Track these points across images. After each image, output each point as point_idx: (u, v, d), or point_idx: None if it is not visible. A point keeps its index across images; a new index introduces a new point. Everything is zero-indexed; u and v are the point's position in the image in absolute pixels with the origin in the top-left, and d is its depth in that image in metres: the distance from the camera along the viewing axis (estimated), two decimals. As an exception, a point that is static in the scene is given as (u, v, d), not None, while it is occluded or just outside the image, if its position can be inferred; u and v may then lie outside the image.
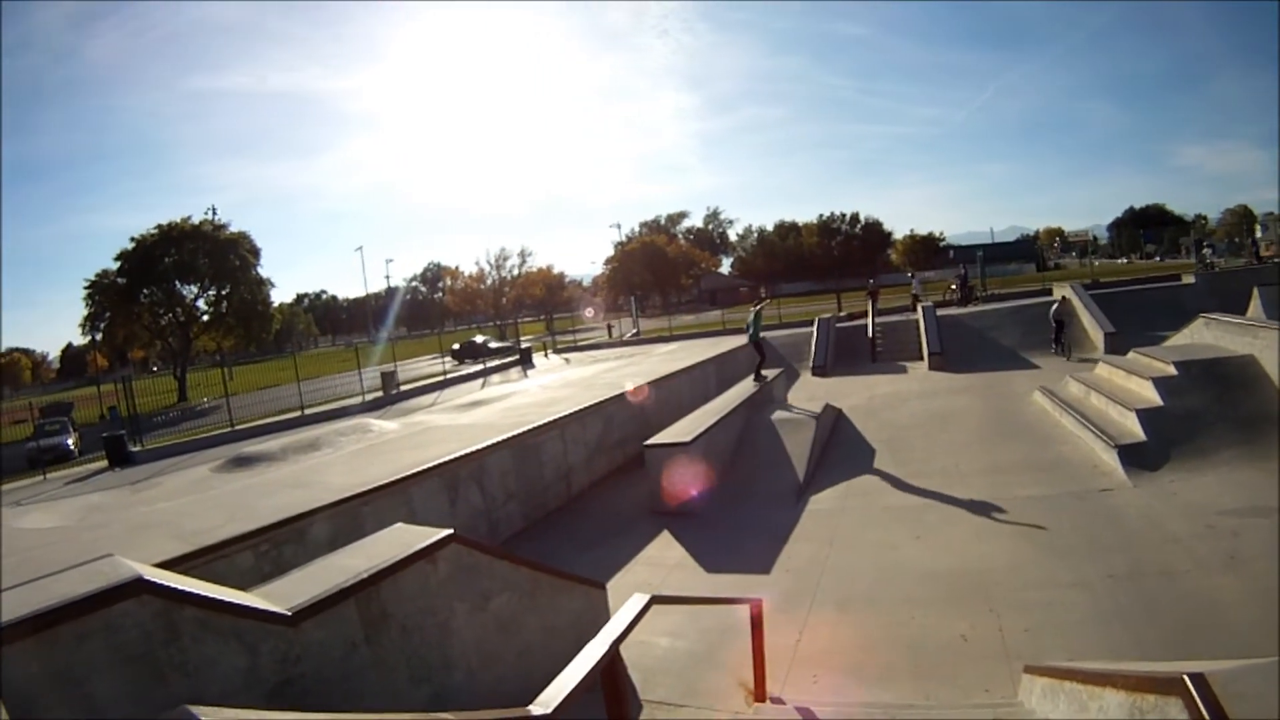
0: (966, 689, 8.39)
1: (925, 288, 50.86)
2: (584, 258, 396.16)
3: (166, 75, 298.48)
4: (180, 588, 5.59)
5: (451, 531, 7.53)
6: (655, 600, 6.16)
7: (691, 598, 9.29)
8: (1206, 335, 21.17)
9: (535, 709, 3.81)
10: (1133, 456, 15.66)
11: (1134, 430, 16.56)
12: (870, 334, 38.74)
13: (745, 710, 8.15)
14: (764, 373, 26.29)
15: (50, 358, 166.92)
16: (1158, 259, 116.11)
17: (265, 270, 75.02)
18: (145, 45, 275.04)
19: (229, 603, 5.76)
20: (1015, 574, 11.45)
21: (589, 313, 70.43)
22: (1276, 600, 9.33)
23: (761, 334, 27.14)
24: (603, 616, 8.64)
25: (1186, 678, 3.70)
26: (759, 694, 8.28)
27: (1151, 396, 17.45)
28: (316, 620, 5.98)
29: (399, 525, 8.43)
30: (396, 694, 6.41)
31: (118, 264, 66.80)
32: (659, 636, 10.22)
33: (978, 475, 16.54)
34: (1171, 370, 18.00)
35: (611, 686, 4.79)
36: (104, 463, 27.01)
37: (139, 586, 5.31)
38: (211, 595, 5.71)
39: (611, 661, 4.71)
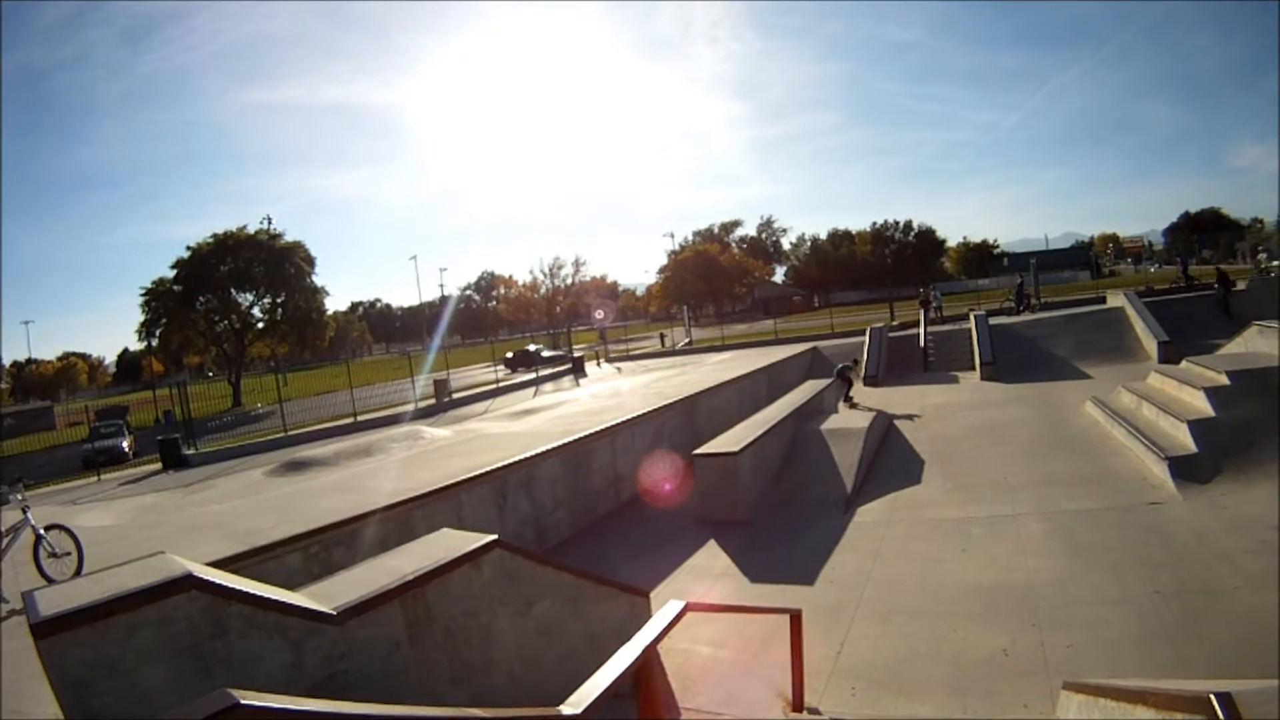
0: (1005, 705, 8.33)
1: (944, 299, 51.16)
2: (638, 266, 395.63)
3: (222, 88, 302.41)
4: (228, 584, 5.76)
5: (496, 537, 7.65)
6: (690, 607, 6.24)
7: (727, 605, 9.34)
8: (1261, 344, 20.99)
9: (566, 709, 3.90)
10: (1183, 469, 15.39)
11: (1185, 442, 16.27)
12: (922, 343, 38.47)
13: (782, 720, 8.14)
14: (851, 396, 28.20)
15: (107, 362, 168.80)
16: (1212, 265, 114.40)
17: (320, 279, 75.26)
18: (200, 59, 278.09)
19: (275, 600, 5.91)
20: (1060, 589, 11.31)
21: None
22: None
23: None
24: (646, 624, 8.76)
25: (1213, 696, 3.73)
26: (796, 704, 8.29)
27: (1203, 407, 17.16)
28: (361, 620, 6.11)
29: (445, 530, 8.57)
30: (437, 694, 6.52)
31: (174, 272, 67.39)
32: (701, 645, 10.27)
33: (1026, 488, 16.35)
34: (1224, 380, 17.70)
35: (645, 690, 4.85)
36: (158, 465, 27.13)
37: (189, 582, 5.50)
38: (258, 593, 5.87)
39: (645, 665, 4.77)
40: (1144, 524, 13.60)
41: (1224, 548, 12.05)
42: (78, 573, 11.27)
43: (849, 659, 9.86)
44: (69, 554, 12.01)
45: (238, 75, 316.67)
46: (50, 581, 10.98)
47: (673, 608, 5.86)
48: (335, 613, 5.97)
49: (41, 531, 11.91)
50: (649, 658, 4.83)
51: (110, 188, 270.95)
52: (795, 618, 8.27)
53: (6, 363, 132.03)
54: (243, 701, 2.85)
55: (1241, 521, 13.02)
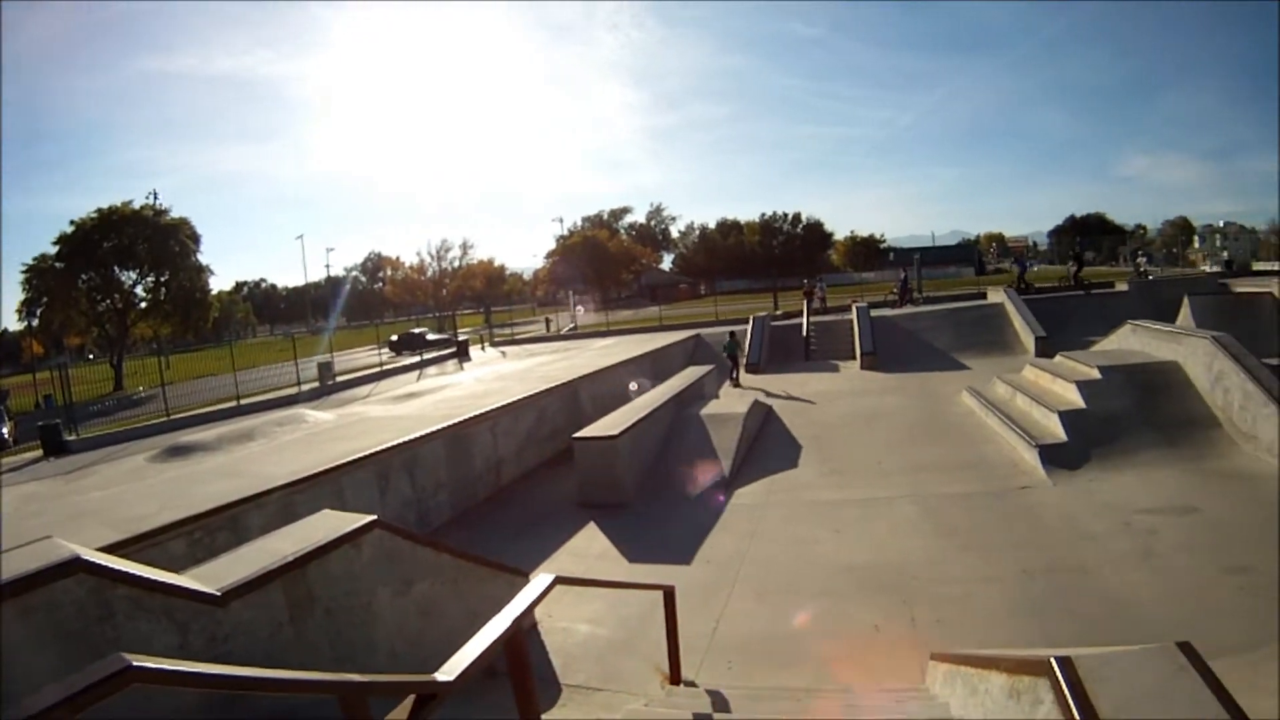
0: (877, 675, 8.66)
1: (828, 290, 52.24)
2: (526, 251, 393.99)
3: (112, 56, 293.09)
4: (115, 567, 5.91)
5: (375, 518, 7.85)
6: (559, 580, 6.51)
7: (596, 580, 9.57)
8: (1132, 341, 21.81)
9: (440, 676, 4.16)
10: (1053, 456, 16.12)
11: (1056, 431, 17.03)
12: (805, 333, 39.05)
13: (659, 693, 8.42)
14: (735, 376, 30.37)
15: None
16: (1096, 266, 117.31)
17: (205, 257, 73.59)
18: (90, 24, 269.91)
19: (160, 582, 6.07)
20: (931, 568, 11.76)
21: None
22: (1192, 593, 9.98)
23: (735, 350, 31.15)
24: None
25: (1053, 660, 4.13)
26: (674, 678, 8.55)
27: (1074, 399, 17.96)
28: (244, 601, 6.29)
29: (325, 511, 8.69)
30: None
31: (56, 248, 65.92)
32: (580, 624, 10.56)
33: (901, 473, 16.88)
34: (1095, 374, 18.57)
35: (515, 659, 5.11)
36: (39, 452, 26.69)
37: (77, 565, 5.65)
38: (144, 575, 6.03)
39: (515, 637, 5.03)
40: (1014, 507, 14.24)
41: (1090, 529, 12.74)
42: None
43: (725, 635, 10.20)
44: None
45: (131, 42, 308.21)
46: None
47: (542, 580, 6.12)
48: (219, 594, 6.13)
49: None
50: (518, 629, 5.07)
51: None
52: (669, 594, 8.54)
53: None
54: (135, 664, 3.05)
55: (1107, 505, 13.74)
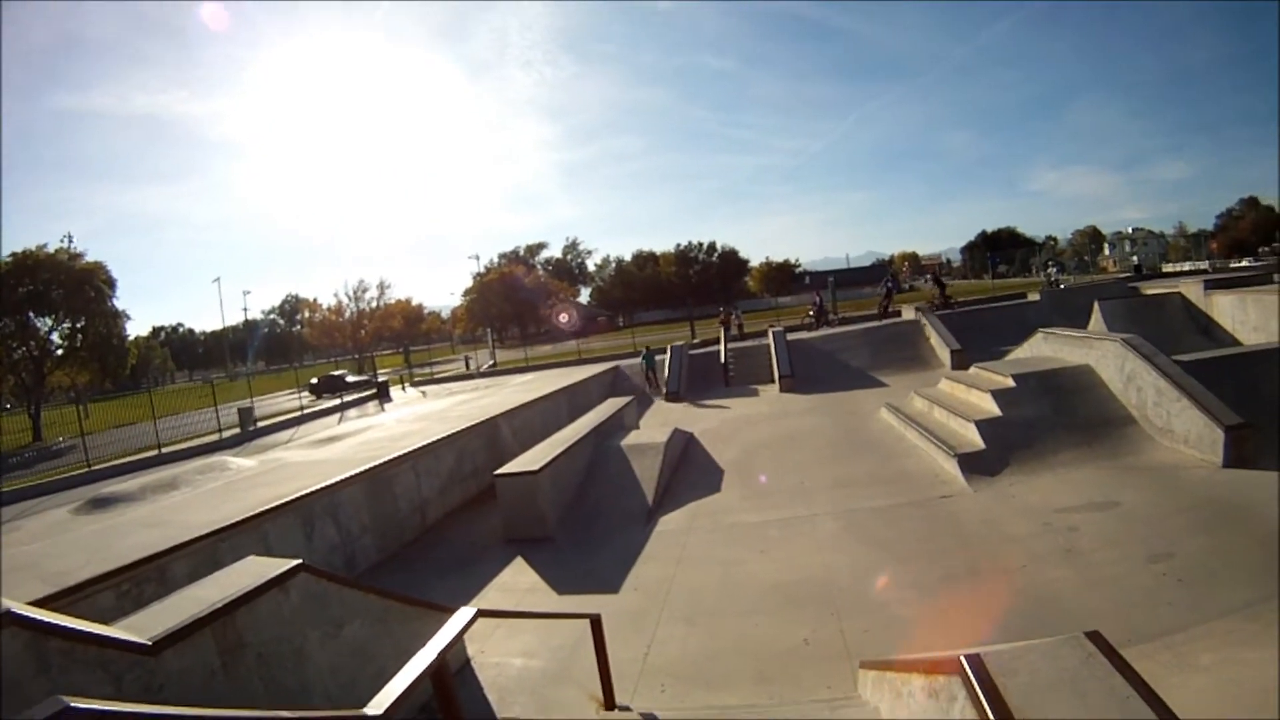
0: (809, 688, 8.89)
1: (745, 316, 53.53)
2: (444, 289, 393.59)
3: (27, 91, 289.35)
4: (46, 620, 5.99)
5: (300, 561, 7.94)
6: (481, 614, 6.67)
7: (520, 612, 9.74)
8: (1045, 348, 22.38)
9: (369, 710, 4.32)
10: (972, 464, 16.50)
11: (974, 440, 17.44)
12: (723, 359, 39.49)
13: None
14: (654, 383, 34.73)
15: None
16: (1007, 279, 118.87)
17: (121, 302, 72.22)
18: (6, 59, 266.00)
19: (92, 633, 6.16)
20: (856, 580, 12.01)
21: (564, 318, 70.79)
22: (1115, 584, 10.37)
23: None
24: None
25: (963, 658, 4.38)
26: (608, 703, 8.71)
27: (990, 408, 18.42)
28: (175, 650, 6.37)
29: (251, 558, 8.77)
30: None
31: (-32, 294, 64.43)
32: (513, 657, 10.59)
33: (823, 491, 17.12)
34: (1010, 382, 19.03)
35: (442, 690, 5.28)
36: (-48, 501, 26.38)
37: (8, 619, 5.72)
38: (76, 627, 6.11)
39: (440, 670, 5.20)
40: (936, 516, 14.56)
41: (1012, 531, 13.09)
42: None
43: (656, 659, 10.38)
44: None
45: (46, 77, 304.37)
46: None
47: (464, 615, 6.26)
48: (150, 643, 6.20)
49: None
50: (443, 662, 5.23)
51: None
52: (595, 622, 8.72)
53: None
54: (72, 704, 3.19)
55: (1028, 508, 14.12)
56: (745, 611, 11.54)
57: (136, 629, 6.50)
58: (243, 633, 7.05)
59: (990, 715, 3.85)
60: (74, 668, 5.89)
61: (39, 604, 8.67)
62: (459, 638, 5.80)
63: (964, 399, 20.36)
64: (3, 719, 4.57)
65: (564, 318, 68.95)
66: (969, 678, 4.20)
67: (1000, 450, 16.79)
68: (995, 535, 13.04)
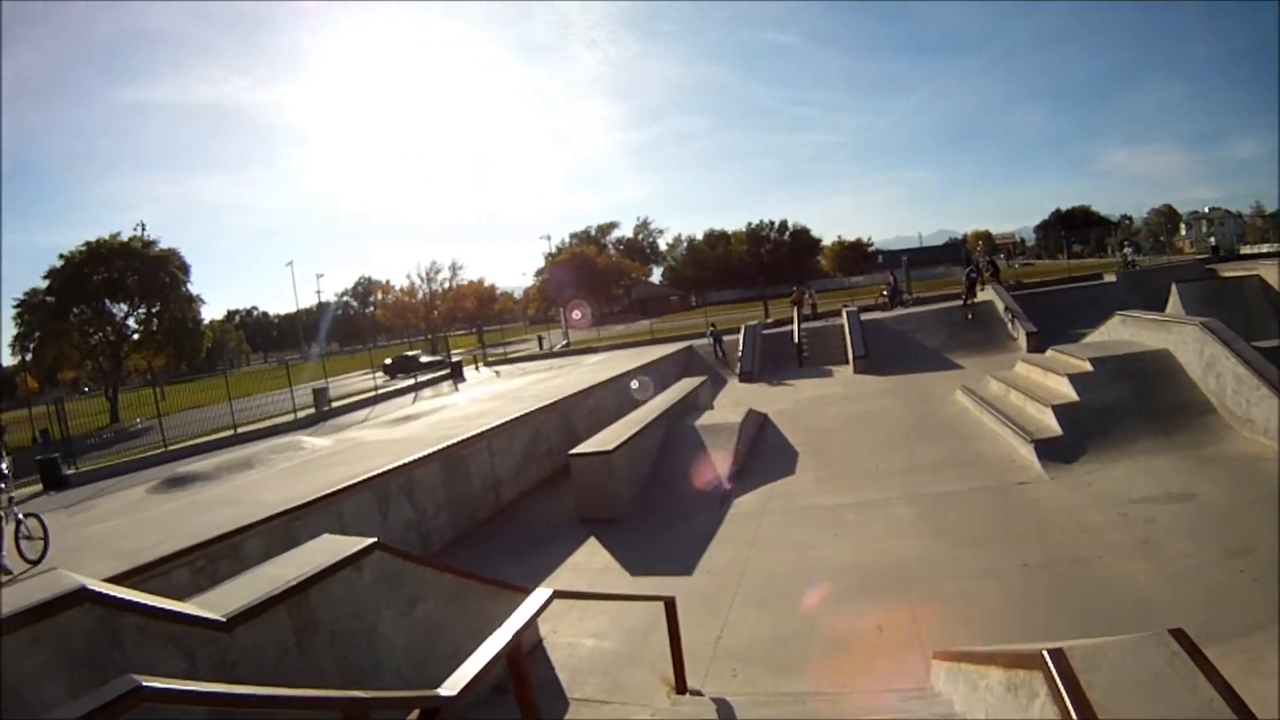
0: (881, 676, 8.66)
1: (818, 295, 52.89)
2: (515, 270, 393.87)
3: (90, 87, 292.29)
4: (121, 596, 5.98)
5: (375, 540, 7.91)
6: (557, 595, 6.57)
7: (596, 594, 9.66)
8: (1122, 331, 21.83)
9: (443, 690, 4.24)
10: (1049, 450, 16.10)
11: (1051, 425, 17.01)
12: (796, 339, 39.23)
13: (665, 704, 8.47)
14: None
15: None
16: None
17: (195, 287, 73.33)
18: (65, 57, 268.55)
19: (167, 609, 6.14)
20: (930, 567, 11.81)
21: (576, 314, 70.61)
22: (1192, 578, 10.01)
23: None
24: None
25: (1045, 653, 4.21)
26: (679, 687, 8.60)
27: (1067, 392, 17.96)
28: (249, 626, 6.35)
29: (325, 535, 8.78)
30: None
31: (46, 282, 65.93)
32: (585, 638, 10.59)
33: (897, 474, 16.88)
34: (1087, 366, 18.51)
35: (517, 672, 5.19)
36: (38, 486, 26.55)
37: (82, 595, 5.73)
38: (150, 603, 6.11)
39: (515, 650, 5.11)
40: (1011, 503, 14.22)
41: (1089, 521, 12.71)
42: (43, 555, 12.58)
43: (729, 643, 10.24)
44: (40, 538, 12.93)
45: (110, 73, 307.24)
46: (26, 560, 12.38)
47: (540, 595, 6.19)
48: (224, 619, 6.19)
49: (20, 516, 12.88)
50: (519, 643, 5.15)
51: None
52: (669, 605, 8.60)
53: None
54: (144, 684, 3.13)
55: (1105, 497, 13.71)
56: (818, 595, 11.36)
57: (211, 605, 6.49)
58: (316, 610, 7.03)
59: (1073, 713, 3.70)
60: (148, 644, 5.88)
61: (114, 580, 8.70)
62: (535, 619, 5.69)
63: (1040, 383, 19.96)
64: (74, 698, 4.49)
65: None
66: (1051, 673, 4.04)
67: (1077, 436, 16.41)
68: (1071, 524, 12.72)
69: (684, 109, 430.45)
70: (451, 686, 4.29)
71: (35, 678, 5.45)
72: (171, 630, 6.01)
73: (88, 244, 65.95)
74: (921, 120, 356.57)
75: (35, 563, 12.63)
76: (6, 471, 13.10)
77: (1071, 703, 3.74)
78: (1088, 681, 3.89)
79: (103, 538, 14.10)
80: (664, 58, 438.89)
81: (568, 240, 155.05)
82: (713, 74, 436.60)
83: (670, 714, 7.85)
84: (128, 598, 6.10)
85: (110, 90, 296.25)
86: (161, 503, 17.53)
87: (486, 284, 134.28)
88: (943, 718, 5.95)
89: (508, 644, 4.95)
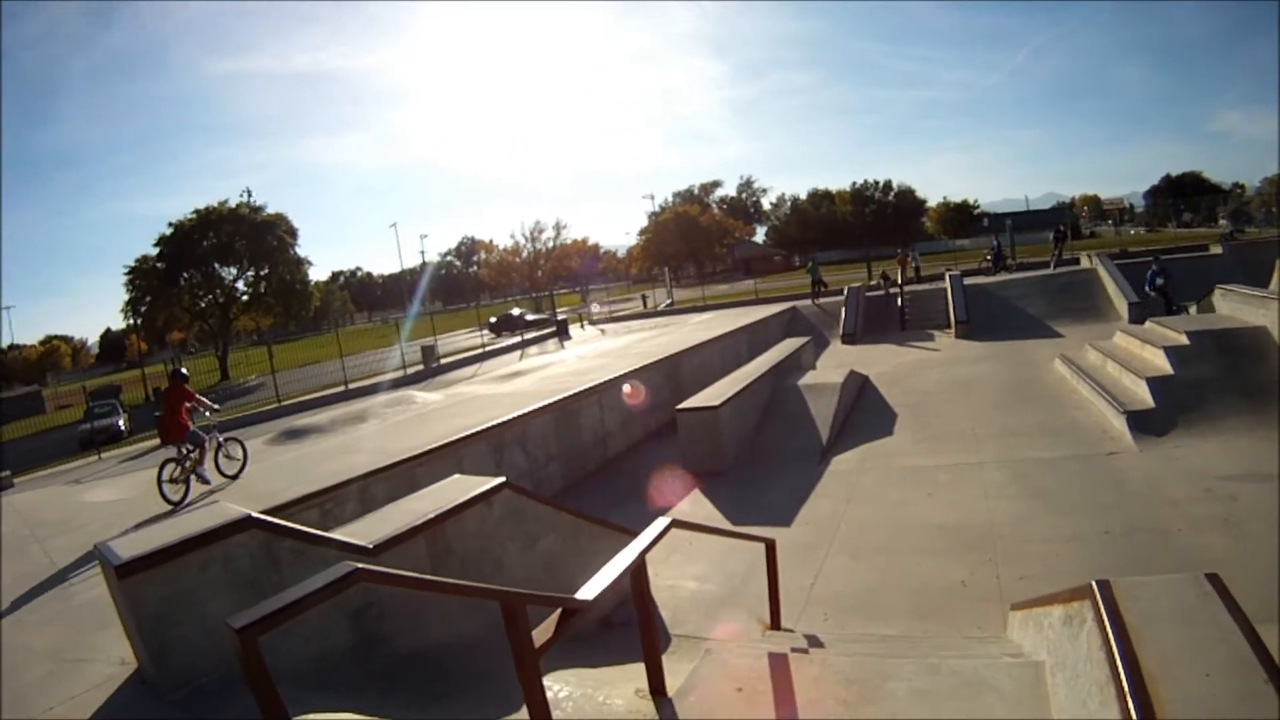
0: (962, 626, 9.10)
1: (922, 258, 52.51)
2: (618, 228, 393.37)
3: (193, 59, 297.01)
4: (282, 523, 6.67)
5: (504, 479, 8.57)
6: (675, 524, 7.13)
7: (708, 527, 10.09)
8: (1223, 306, 21.73)
9: (581, 595, 4.86)
10: (1140, 422, 16.08)
11: (1144, 397, 16.96)
12: (899, 302, 39.19)
13: (760, 638, 8.96)
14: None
15: (89, 343, 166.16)
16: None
17: (302, 249, 75.93)
18: (169, 31, 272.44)
19: (320, 535, 6.88)
20: (1017, 529, 12.04)
21: (626, 389, 70.95)
22: (1268, 558, 9.93)
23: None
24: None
25: (1093, 583, 4.69)
26: (774, 625, 9.12)
27: (1163, 365, 17.83)
28: (393, 553, 6.99)
29: (457, 476, 9.43)
30: (453, 620, 7.45)
31: (157, 249, 68.21)
32: (687, 580, 11.13)
33: (992, 439, 17.05)
34: (1184, 340, 18.33)
35: (638, 586, 5.77)
36: (156, 441, 27.45)
37: (249, 522, 6.45)
38: (306, 530, 6.82)
39: (639, 568, 5.69)
40: (1100, 472, 14.26)
41: (1173, 494, 12.71)
42: (240, 472, 15.82)
43: (822, 590, 10.67)
44: (238, 459, 16.25)
45: (209, 46, 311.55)
46: (224, 475, 15.73)
47: (661, 523, 6.71)
48: (371, 546, 6.84)
49: (221, 440, 16.10)
50: (643, 562, 5.72)
51: (81, 166, 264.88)
52: (770, 546, 9.07)
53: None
54: (360, 567, 3.76)
55: (1191, 472, 13.67)
56: (908, 550, 11.78)
57: (358, 534, 7.15)
58: (450, 541, 7.70)
59: (1111, 634, 4.13)
60: (301, 567, 6.53)
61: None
62: (656, 541, 6.24)
63: (1138, 354, 19.74)
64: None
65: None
66: (1096, 599, 4.49)
67: (1169, 410, 16.32)
68: (1156, 497, 12.78)
69: (785, 65, 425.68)
70: (588, 592, 4.90)
71: (205, 596, 6.16)
72: (323, 554, 6.60)
73: (197, 211, 68.18)
74: (1029, 77, 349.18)
75: (233, 478, 15.12)
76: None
77: (1110, 625, 4.18)
78: (1126, 608, 4.33)
79: (233, 483, 14.88)
80: (762, 12, 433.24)
81: (670, 199, 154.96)
82: (814, 28, 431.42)
83: (764, 642, 8.35)
84: (287, 524, 6.78)
85: (208, 63, 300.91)
86: (282, 452, 18.35)
87: (590, 243, 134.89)
88: (1009, 654, 6.35)
89: (633, 562, 5.50)
